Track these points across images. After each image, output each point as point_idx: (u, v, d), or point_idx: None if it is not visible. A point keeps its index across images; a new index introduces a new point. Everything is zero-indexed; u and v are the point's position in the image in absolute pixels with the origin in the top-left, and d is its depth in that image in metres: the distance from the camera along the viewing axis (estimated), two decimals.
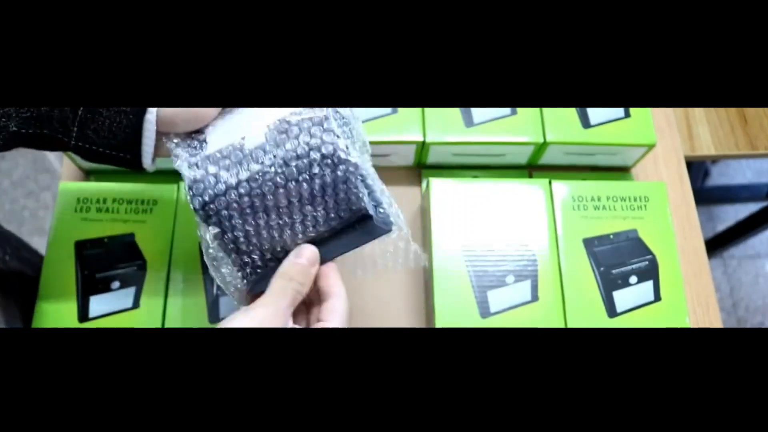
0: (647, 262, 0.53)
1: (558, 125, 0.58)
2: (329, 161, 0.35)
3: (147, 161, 0.37)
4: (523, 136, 0.58)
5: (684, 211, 0.63)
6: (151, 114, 0.35)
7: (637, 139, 0.59)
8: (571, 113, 0.59)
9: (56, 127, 0.35)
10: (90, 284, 0.50)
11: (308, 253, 0.38)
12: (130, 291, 0.50)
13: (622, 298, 0.52)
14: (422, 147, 0.58)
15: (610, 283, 0.52)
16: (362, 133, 0.42)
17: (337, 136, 0.35)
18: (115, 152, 0.36)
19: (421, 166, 0.63)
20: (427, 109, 0.58)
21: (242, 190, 0.35)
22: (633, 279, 0.53)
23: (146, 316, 0.49)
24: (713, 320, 0.58)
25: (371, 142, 0.57)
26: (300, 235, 0.38)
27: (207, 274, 0.51)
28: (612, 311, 0.52)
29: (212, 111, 0.36)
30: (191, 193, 0.35)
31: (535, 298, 0.51)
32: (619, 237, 0.54)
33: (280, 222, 0.37)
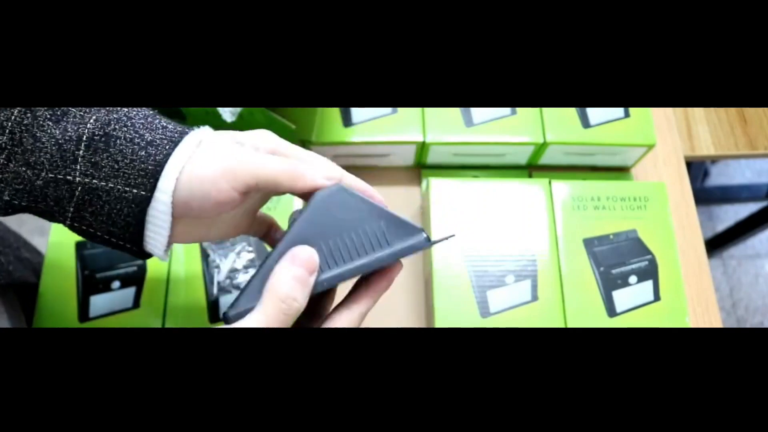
0: (647, 262, 0.54)
1: (558, 125, 0.58)
2: None
3: (157, 252, 0.33)
4: (523, 136, 0.58)
5: (684, 211, 0.63)
6: (163, 204, 0.30)
7: (637, 139, 0.59)
8: (571, 113, 0.59)
9: (50, 204, 0.32)
10: (90, 284, 0.50)
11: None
12: (130, 291, 0.50)
13: (622, 297, 0.52)
14: (422, 147, 0.58)
15: (609, 283, 0.52)
16: None
17: None
18: (115, 240, 0.32)
19: (420, 166, 0.63)
20: (427, 109, 0.58)
21: None
22: (633, 279, 0.53)
23: (146, 316, 0.49)
24: (713, 320, 0.58)
25: (371, 143, 0.58)
26: None
27: (207, 273, 0.51)
28: (612, 311, 0.52)
29: (230, 195, 0.30)
30: None
31: (534, 298, 0.51)
32: (618, 237, 0.54)
33: None
